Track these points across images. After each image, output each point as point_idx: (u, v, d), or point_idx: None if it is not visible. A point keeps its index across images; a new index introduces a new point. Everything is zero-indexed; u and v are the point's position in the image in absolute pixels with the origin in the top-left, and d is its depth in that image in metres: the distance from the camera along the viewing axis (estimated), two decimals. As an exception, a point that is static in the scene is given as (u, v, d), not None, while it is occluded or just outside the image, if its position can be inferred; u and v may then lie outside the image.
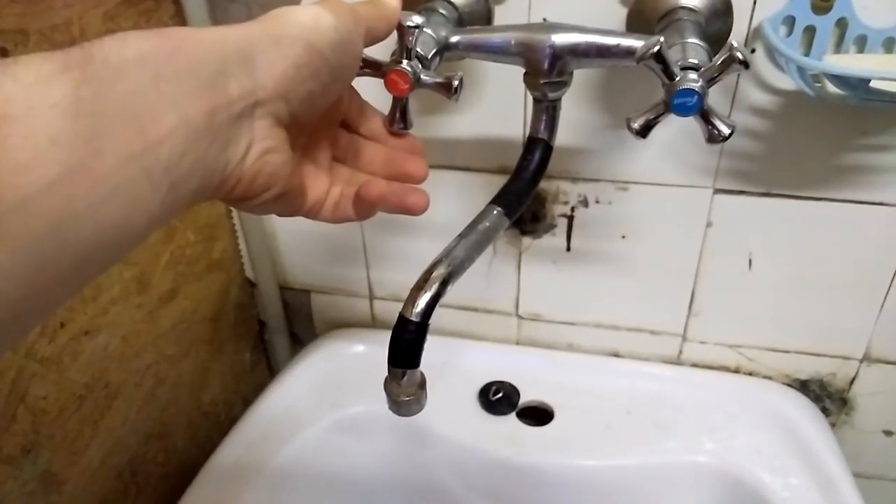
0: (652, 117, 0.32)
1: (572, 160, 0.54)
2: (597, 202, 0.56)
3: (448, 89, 0.37)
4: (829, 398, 0.62)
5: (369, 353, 0.65)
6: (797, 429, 0.57)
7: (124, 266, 0.50)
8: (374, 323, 0.69)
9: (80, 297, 0.46)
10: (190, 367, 0.61)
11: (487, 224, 0.37)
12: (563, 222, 0.58)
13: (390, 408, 0.36)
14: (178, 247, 0.56)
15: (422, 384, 0.35)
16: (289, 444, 0.57)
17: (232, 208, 0.63)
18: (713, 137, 0.31)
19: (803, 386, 0.62)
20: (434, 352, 0.63)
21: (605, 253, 0.58)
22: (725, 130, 0.31)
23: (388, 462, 0.60)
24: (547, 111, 0.39)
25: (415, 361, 0.34)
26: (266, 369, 0.76)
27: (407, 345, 0.33)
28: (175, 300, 0.57)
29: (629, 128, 0.34)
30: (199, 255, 0.59)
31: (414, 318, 0.33)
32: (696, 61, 0.32)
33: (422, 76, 0.37)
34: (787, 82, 0.46)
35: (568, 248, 0.59)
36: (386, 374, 0.34)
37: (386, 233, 0.62)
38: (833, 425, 0.63)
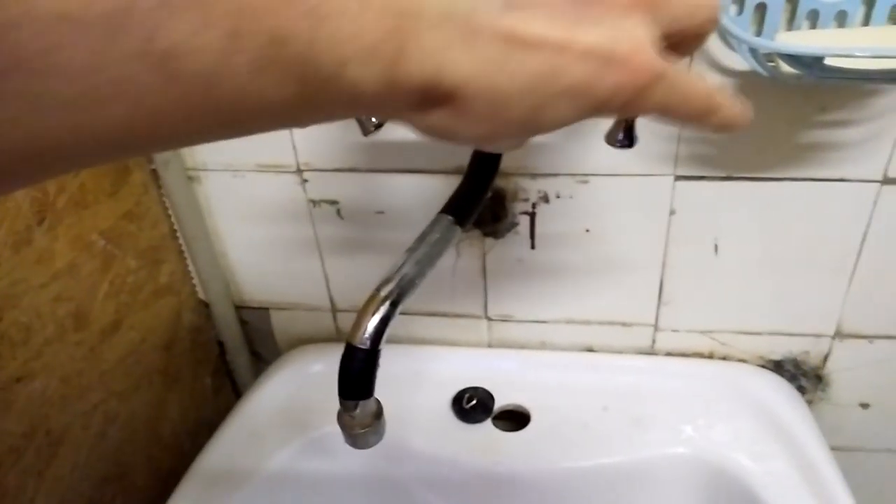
0: (626, 124, 0.30)
1: (529, 156, 0.52)
2: (557, 197, 0.54)
3: (365, 126, 0.35)
4: (804, 376, 0.62)
5: (333, 370, 0.61)
6: (774, 410, 0.56)
7: (56, 303, 0.47)
8: (338, 336, 0.67)
9: (8, 342, 0.43)
10: (144, 401, 0.58)
11: (438, 236, 0.35)
12: (525, 220, 0.56)
13: (346, 441, 0.33)
14: (118, 275, 0.53)
15: (378, 413, 0.33)
16: (256, 471, 0.55)
17: (176, 228, 0.60)
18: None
19: (778, 366, 0.61)
20: (404, 361, 0.62)
21: (570, 248, 0.57)
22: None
23: (362, 482, 0.57)
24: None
25: (367, 391, 0.32)
26: (232, 392, 0.73)
27: (357, 375, 0.31)
28: (119, 332, 0.54)
29: (614, 145, 0.31)
30: (144, 282, 0.56)
31: (362, 346, 0.31)
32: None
33: None
34: (740, 63, 0.44)
35: (532, 246, 0.57)
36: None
37: (342, 242, 0.60)
38: (810, 402, 0.63)
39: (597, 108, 0.22)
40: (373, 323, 0.31)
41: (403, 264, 0.34)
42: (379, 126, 0.34)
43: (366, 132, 0.34)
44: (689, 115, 0.25)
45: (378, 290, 0.33)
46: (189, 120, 0.19)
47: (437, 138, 0.23)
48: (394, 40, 0.19)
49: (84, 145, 0.18)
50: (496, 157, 0.37)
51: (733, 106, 0.26)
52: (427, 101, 0.21)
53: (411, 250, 0.34)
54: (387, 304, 0.32)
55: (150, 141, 0.19)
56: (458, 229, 0.36)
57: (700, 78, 0.25)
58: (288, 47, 0.18)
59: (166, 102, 0.18)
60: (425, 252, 0.34)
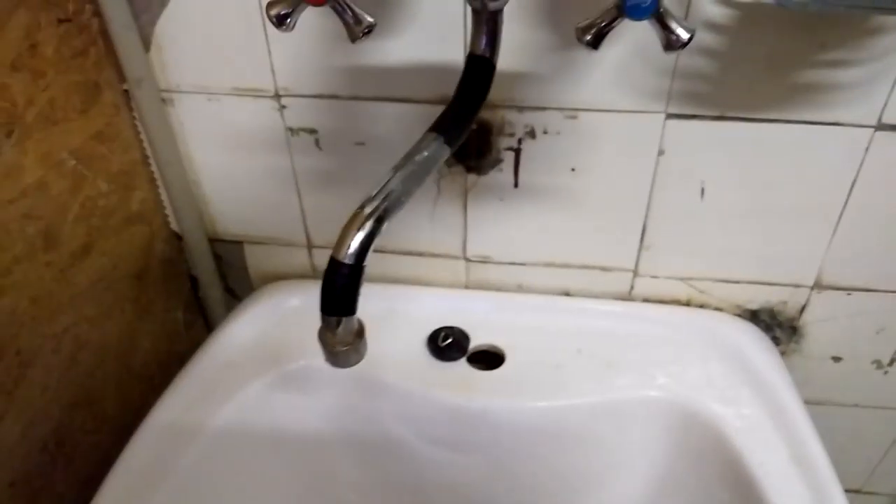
0: (603, 24, 0.29)
1: (517, 86, 0.50)
2: (545, 133, 0.53)
3: (353, 30, 0.33)
4: (779, 327, 0.62)
5: (309, 305, 0.61)
6: (748, 359, 0.57)
7: (26, 220, 0.45)
8: (314, 273, 0.66)
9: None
10: (115, 329, 0.56)
11: (426, 154, 0.34)
12: (509, 156, 0.54)
13: (326, 359, 0.32)
14: (89, 197, 0.51)
15: (360, 332, 0.32)
16: (228, 402, 0.54)
17: (148, 154, 0.57)
18: (671, 44, 0.28)
19: (754, 316, 0.62)
20: (380, 299, 0.61)
21: (554, 188, 0.56)
22: (684, 35, 0.28)
23: (336, 416, 0.57)
24: (487, 24, 0.35)
25: (350, 307, 0.31)
26: (204, 327, 0.72)
27: (341, 290, 0.30)
28: (90, 256, 0.52)
29: (579, 39, 0.30)
30: (115, 207, 0.54)
31: (346, 261, 0.30)
32: (650, -41, 0.29)
33: None
34: (742, -7, 0.43)
35: (516, 185, 0.56)
36: (325, 324, 0.31)
37: (320, 174, 0.58)
38: (783, 353, 0.63)
39: None
40: (357, 238, 0.30)
41: (389, 181, 0.32)
42: (369, 30, 0.32)
43: (354, 37, 0.33)
44: None
45: (363, 206, 0.32)
46: None
47: None
48: None
49: None
50: (488, 77, 0.36)
51: None
52: None
53: (397, 168, 0.33)
54: (371, 220, 0.31)
55: None
56: (447, 149, 0.34)
57: None
58: None
59: None
60: (412, 170, 0.33)
